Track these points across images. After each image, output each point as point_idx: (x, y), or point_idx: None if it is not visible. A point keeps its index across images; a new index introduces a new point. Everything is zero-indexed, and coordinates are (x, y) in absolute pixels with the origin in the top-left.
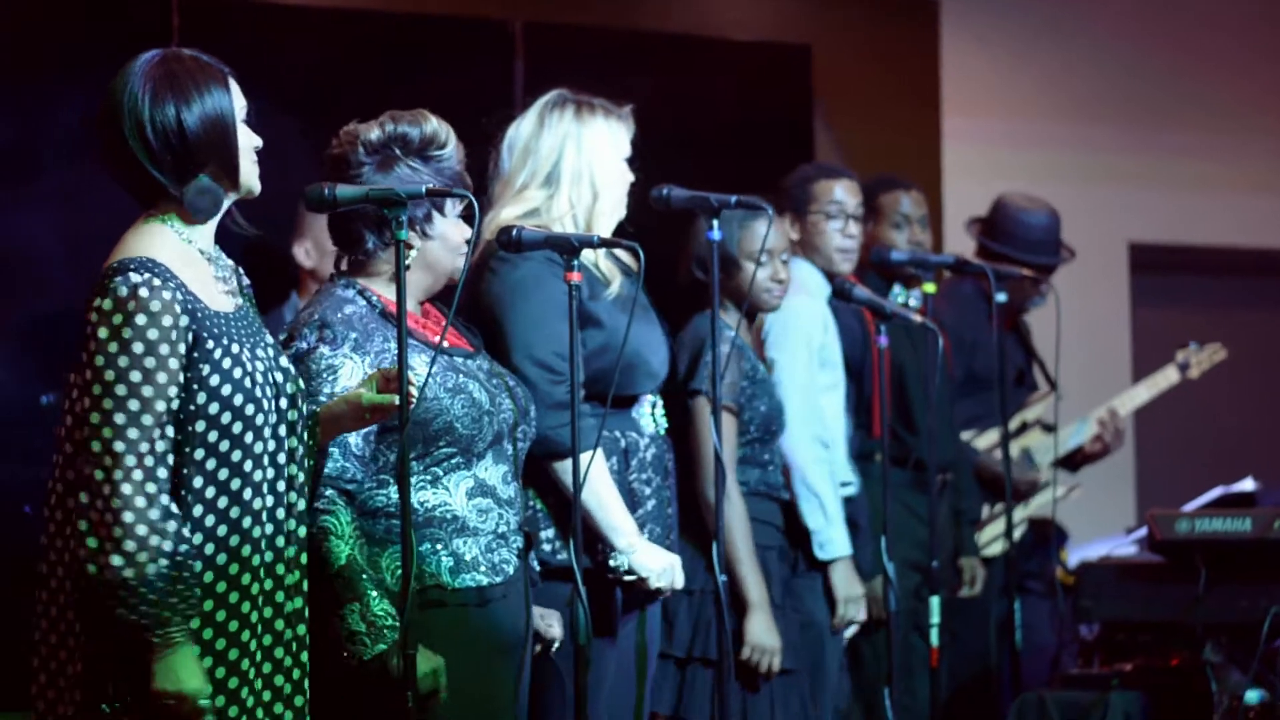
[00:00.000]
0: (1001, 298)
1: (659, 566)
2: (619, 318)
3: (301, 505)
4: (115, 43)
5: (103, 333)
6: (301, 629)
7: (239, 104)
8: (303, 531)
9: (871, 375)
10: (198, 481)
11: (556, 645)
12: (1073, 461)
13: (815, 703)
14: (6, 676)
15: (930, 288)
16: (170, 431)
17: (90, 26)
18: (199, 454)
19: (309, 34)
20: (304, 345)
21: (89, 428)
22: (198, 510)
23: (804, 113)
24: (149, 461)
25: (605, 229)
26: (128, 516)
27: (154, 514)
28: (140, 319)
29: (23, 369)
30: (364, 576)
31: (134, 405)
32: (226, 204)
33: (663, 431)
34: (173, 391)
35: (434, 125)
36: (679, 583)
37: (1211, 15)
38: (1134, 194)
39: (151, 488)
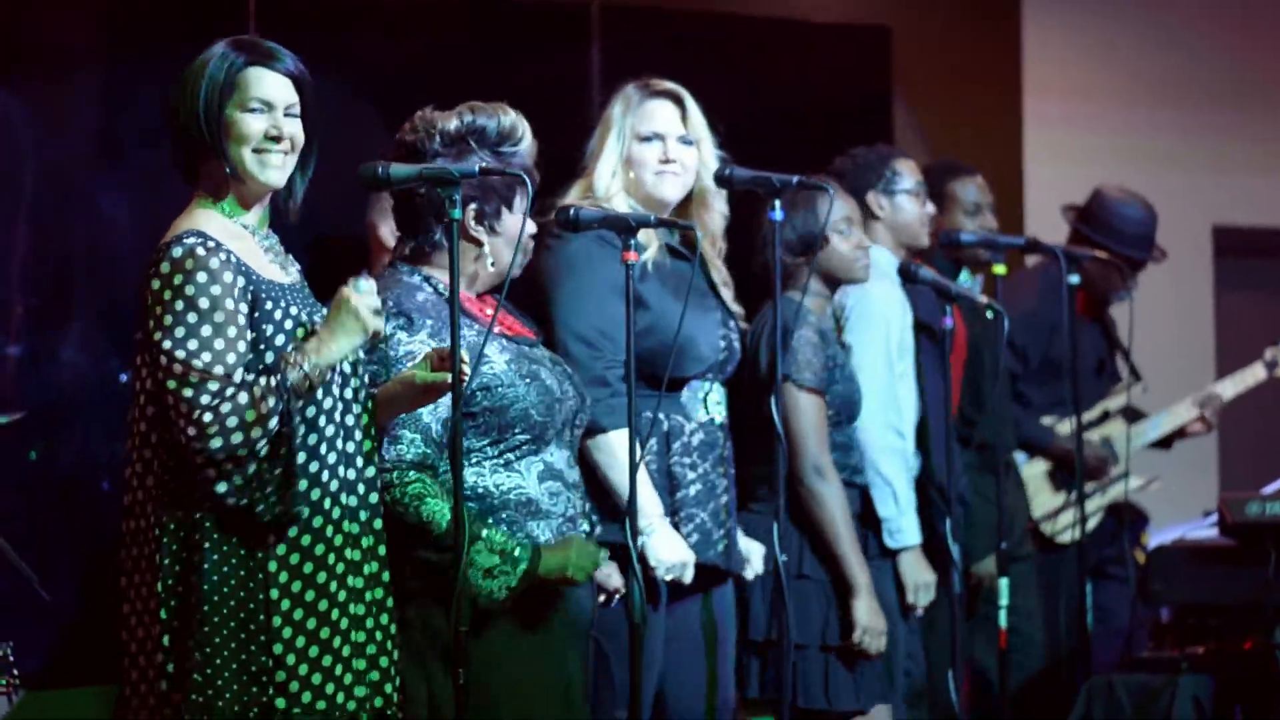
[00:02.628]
0: (1074, 280)
1: (670, 559)
2: (667, 300)
3: (371, 472)
4: (193, 28)
5: (167, 294)
6: (381, 593)
7: (249, 94)
8: (374, 499)
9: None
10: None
11: (618, 597)
12: (1168, 441)
13: (890, 677)
14: (92, 652)
15: (1001, 269)
16: (247, 376)
17: (168, 11)
18: None
19: (384, 19)
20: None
21: (170, 379)
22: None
23: (884, 95)
24: (229, 390)
25: (620, 206)
26: (205, 399)
27: (233, 393)
28: (201, 276)
29: (101, 349)
30: (472, 519)
31: (207, 357)
32: (254, 193)
33: (718, 420)
34: (242, 347)
35: (512, 119)
36: (687, 578)
37: None
38: (1218, 177)
39: (229, 389)
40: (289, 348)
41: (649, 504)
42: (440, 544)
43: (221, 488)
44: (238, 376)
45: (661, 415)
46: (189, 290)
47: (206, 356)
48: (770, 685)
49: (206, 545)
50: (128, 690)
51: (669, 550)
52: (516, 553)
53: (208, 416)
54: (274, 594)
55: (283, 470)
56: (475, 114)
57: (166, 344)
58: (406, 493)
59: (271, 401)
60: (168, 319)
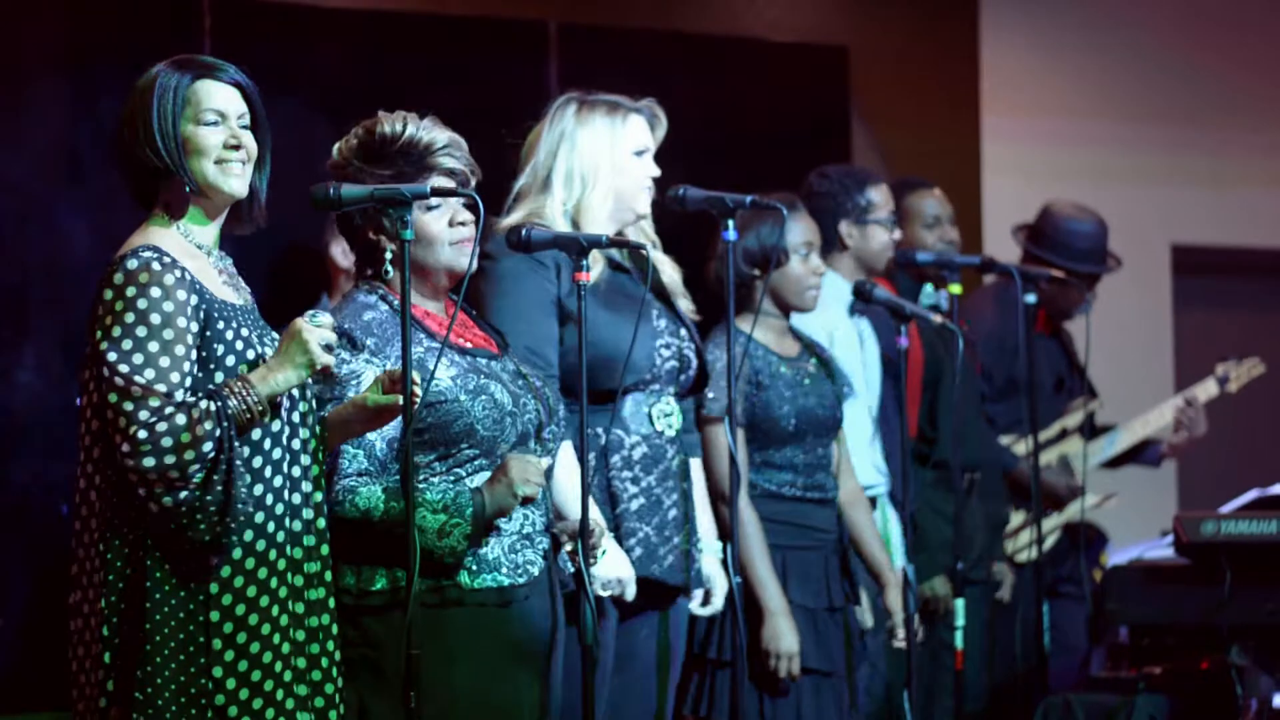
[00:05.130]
0: (1031, 299)
1: (606, 574)
2: (601, 314)
3: (319, 497)
4: (147, 44)
5: (118, 306)
6: (326, 619)
7: (203, 106)
8: (321, 524)
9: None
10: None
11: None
12: (1144, 457)
13: (851, 705)
14: (45, 676)
15: (956, 289)
16: (189, 397)
17: (123, 28)
18: None
19: (340, 35)
20: None
21: (111, 393)
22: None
23: (841, 114)
24: (168, 409)
25: (598, 225)
26: (143, 415)
27: (172, 413)
28: (155, 291)
29: (56, 370)
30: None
31: (150, 374)
32: (212, 206)
33: (668, 433)
34: (187, 366)
35: (384, 126)
36: (629, 595)
37: (1255, 14)
38: (1177, 195)
39: (169, 409)
40: (236, 373)
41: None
42: (388, 526)
43: (153, 508)
44: (179, 396)
45: (599, 430)
46: (140, 304)
47: (150, 373)
48: (704, 703)
49: (149, 563)
50: (71, 708)
51: (607, 565)
52: (459, 500)
53: (142, 434)
54: (215, 616)
55: (217, 499)
56: (354, 135)
57: (112, 356)
58: (340, 492)
59: (208, 425)
60: (116, 330)
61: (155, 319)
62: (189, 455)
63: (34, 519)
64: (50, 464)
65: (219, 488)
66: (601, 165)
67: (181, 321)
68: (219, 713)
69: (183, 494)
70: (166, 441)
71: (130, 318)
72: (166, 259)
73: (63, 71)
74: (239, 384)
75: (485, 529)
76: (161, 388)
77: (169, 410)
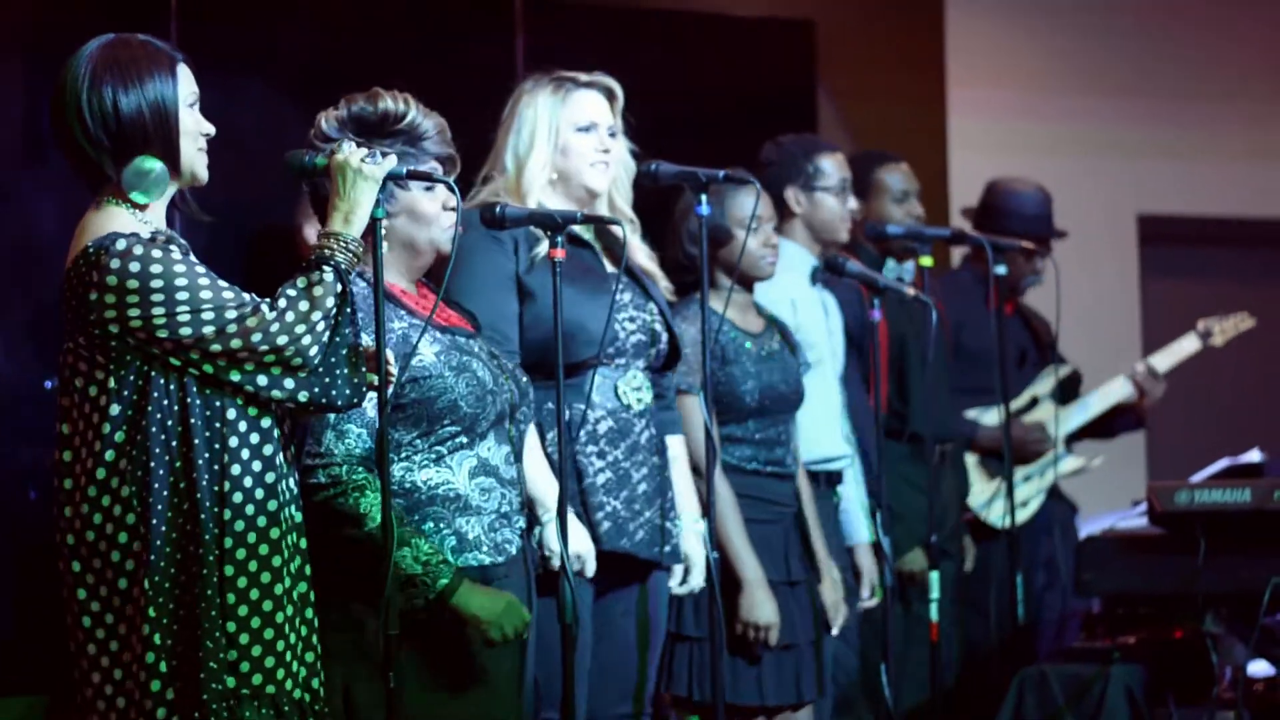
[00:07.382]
0: (1002, 270)
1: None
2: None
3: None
4: (111, 23)
5: (132, 283)
6: (304, 586)
7: (186, 89)
8: (297, 489)
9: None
10: (199, 443)
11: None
12: (1111, 428)
13: (816, 678)
14: (20, 661)
15: (928, 261)
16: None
17: (87, 6)
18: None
19: (307, 14)
20: None
21: (205, 330)
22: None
23: (808, 87)
24: (264, 304)
25: (538, 200)
26: (248, 308)
27: (277, 296)
28: (156, 252)
29: (25, 353)
30: (403, 525)
31: (227, 295)
32: (171, 190)
33: (637, 407)
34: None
35: (387, 101)
36: (589, 571)
37: None
38: (1142, 166)
39: (265, 303)
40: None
41: (545, 497)
42: (370, 541)
43: (290, 384)
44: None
45: (563, 405)
46: (155, 268)
47: (227, 295)
48: (669, 677)
49: (154, 518)
50: (89, 692)
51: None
52: (439, 568)
53: (269, 314)
54: (229, 570)
55: (349, 349)
56: (350, 104)
57: (183, 316)
58: (352, 484)
59: (318, 291)
60: (157, 311)
61: (178, 268)
62: (316, 314)
63: (5, 506)
64: (19, 448)
65: (348, 339)
66: (539, 141)
67: (194, 261)
68: (230, 668)
69: (314, 354)
70: (290, 315)
71: (157, 283)
72: (134, 239)
73: (25, 49)
74: (329, 240)
75: (439, 606)
76: (245, 297)
77: (266, 303)
